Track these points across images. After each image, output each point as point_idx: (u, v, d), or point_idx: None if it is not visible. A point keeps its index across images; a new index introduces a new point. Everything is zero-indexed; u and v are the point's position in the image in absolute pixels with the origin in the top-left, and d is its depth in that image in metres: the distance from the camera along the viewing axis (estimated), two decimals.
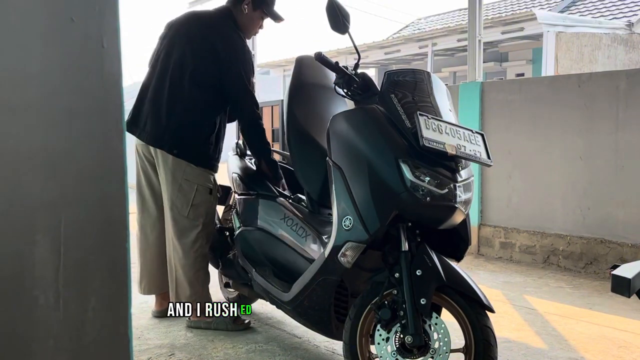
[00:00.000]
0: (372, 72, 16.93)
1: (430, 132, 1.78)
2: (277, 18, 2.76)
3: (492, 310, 1.81)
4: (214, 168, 2.72)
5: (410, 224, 1.91)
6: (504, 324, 2.80)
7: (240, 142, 3.10)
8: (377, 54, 13.05)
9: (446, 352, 1.79)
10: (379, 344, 1.86)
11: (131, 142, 2.60)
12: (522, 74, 11.64)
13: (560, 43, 9.92)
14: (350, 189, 1.90)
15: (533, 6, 13.15)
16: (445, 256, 1.93)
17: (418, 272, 1.82)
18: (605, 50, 10.72)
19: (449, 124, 1.87)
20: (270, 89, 16.57)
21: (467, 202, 1.89)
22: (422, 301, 1.79)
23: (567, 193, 3.91)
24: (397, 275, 1.85)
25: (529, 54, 11.89)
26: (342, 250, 1.88)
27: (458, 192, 1.83)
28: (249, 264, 2.53)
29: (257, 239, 2.53)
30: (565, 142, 3.91)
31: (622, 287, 1.28)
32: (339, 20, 2.03)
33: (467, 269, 3.95)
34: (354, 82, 2.06)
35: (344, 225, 1.88)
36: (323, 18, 2.05)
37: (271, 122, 6.38)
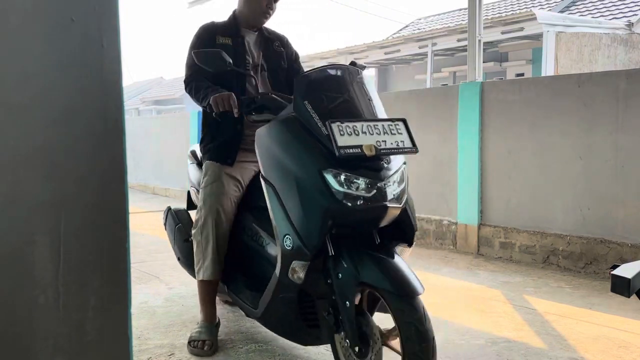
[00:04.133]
0: (372, 72, 16.92)
1: (345, 139, 1.73)
2: None
3: (418, 293, 1.73)
4: (217, 160, 2.45)
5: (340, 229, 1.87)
6: (504, 324, 2.80)
7: (196, 150, 2.90)
8: (377, 54, 13.05)
9: (381, 344, 1.78)
10: (343, 346, 1.86)
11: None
12: (522, 74, 11.64)
13: (560, 43, 9.92)
14: (284, 206, 1.87)
15: (533, 6, 13.14)
16: (398, 242, 1.95)
17: (339, 276, 1.80)
18: (605, 50, 10.72)
19: (365, 122, 1.80)
20: None
21: (400, 196, 1.86)
22: (347, 304, 1.77)
23: (567, 193, 3.91)
24: (329, 281, 1.84)
25: (528, 54, 11.89)
26: (290, 269, 1.86)
27: (388, 190, 1.80)
28: (220, 283, 2.48)
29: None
30: (565, 142, 3.91)
31: (621, 287, 1.28)
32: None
33: (467, 269, 3.96)
34: (252, 104, 2.08)
35: (286, 245, 1.85)
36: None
37: None
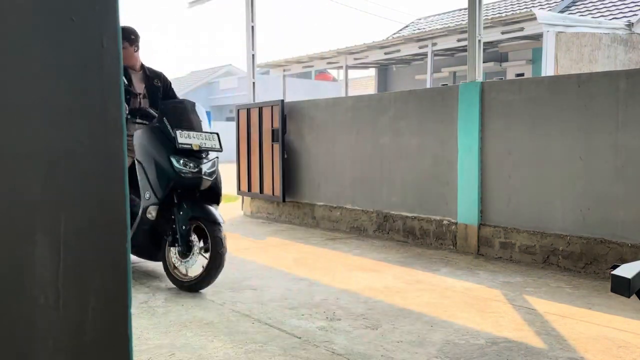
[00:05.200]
0: (371, 72, 16.91)
1: (183, 139, 3.32)
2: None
3: (220, 222, 3.33)
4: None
5: (179, 191, 3.42)
6: (504, 324, 2.80)
7: None
8: (377, 54, 13.05)
9: (198, 253, 3.40)
10: (174, 254, 3.45)
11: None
12: (522, 74, 11.64)
13: (560, 43, 9.92)
14: (147, 175, 3.38)
15: (533, 6, 13.15)
16: (212, 203, 3.50)
17: (180, 213, 3.37)
18: (605, 50, 10.72)
19: (195, 132, 3.41)
20: (271, 88, 16.54)
21: (211, 174, 3.45)
22: (183, 228, 3.36)
23: (567, 193, 3.91)
24: (172, 217, 3.42)
25: (528, 54, 11.89)
26: (147, 211, 3.40)
27: (204, 169, 3.39)
28: None
29: None
30: (565, 142, 3.91)
31: (622, 287, 1.29)
32: None
33: (467, 269, 3.96)
34: (136, 113, 3.66)
35: (146, 197, 3.40)
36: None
37: (271, 122, 6.30)
